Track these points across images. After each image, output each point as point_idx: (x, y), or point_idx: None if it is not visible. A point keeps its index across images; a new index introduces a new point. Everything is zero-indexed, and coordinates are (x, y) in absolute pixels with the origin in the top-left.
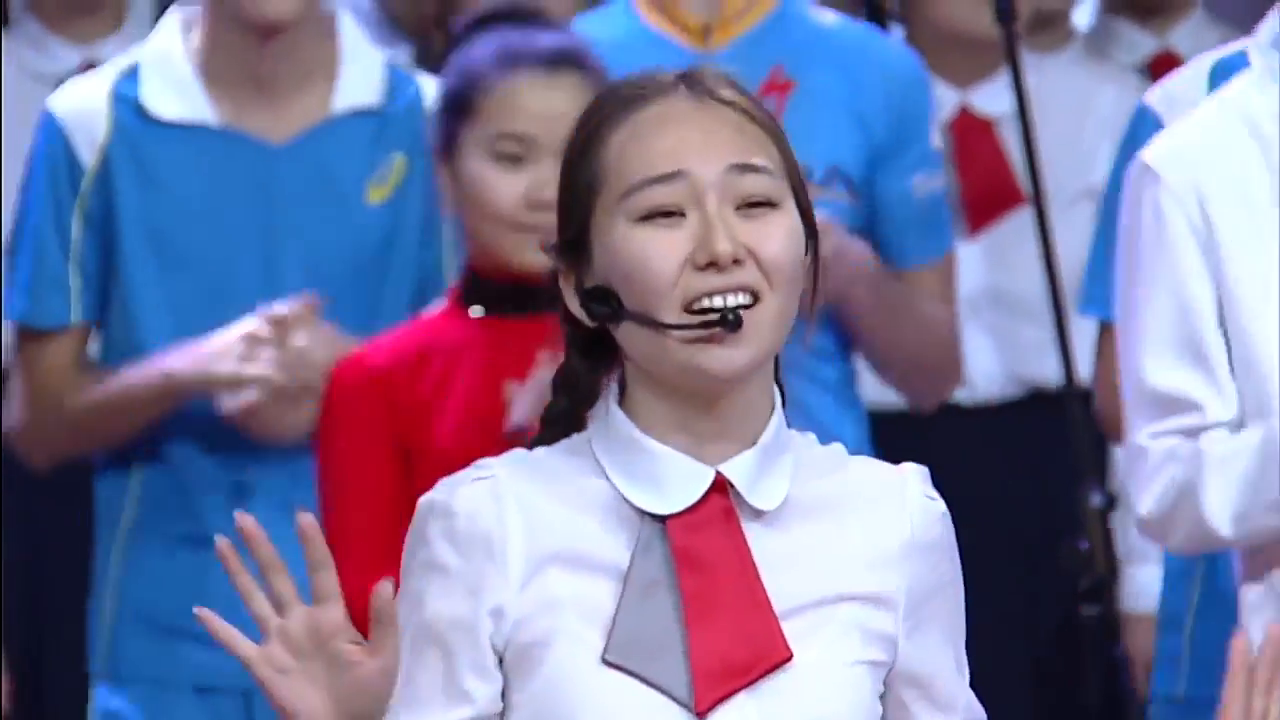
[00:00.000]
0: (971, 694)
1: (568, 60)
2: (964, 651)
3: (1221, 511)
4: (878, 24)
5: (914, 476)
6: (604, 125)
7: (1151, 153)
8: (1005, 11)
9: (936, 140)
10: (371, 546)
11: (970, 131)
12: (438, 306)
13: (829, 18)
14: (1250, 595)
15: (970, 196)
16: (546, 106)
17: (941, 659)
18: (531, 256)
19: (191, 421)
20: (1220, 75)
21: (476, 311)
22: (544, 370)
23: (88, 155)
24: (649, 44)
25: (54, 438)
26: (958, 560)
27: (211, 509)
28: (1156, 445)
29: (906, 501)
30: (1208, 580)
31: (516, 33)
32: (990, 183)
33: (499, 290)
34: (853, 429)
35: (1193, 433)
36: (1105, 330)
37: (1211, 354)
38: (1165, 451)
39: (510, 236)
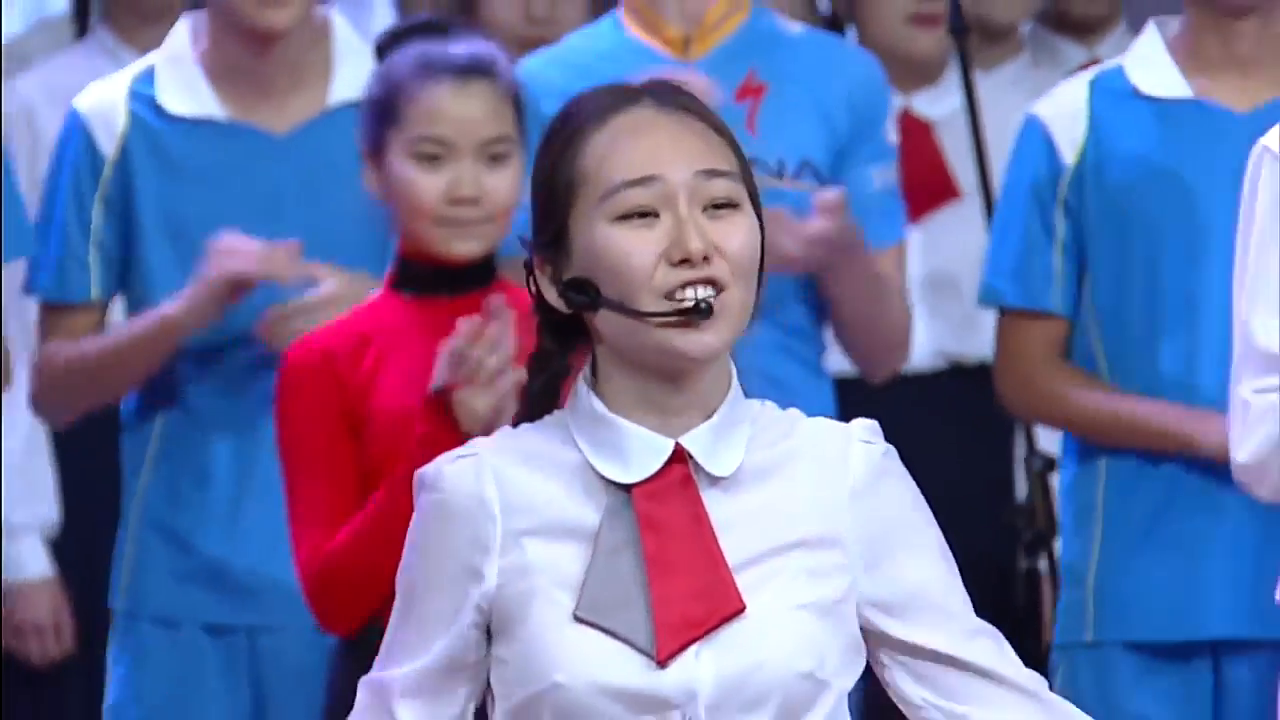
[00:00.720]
0: (971, 611)
1: (479, 69)
2: (952, 572)
3: None
4: (833, 31)
5: (857, 427)
6: (579, 133)
7: (1271, 137)
8: (958, 28)
9: (892, 136)
10: (327, 508)
11: (911, 133)
12: (374, 292)
13: (795, 27)
14: None
15: (910, 189)
16: (461, 112)
17: (917, 582)
18: (455, 245)
19: (204, 372)
20: (1098, 87)
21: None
22: (458, 338)
23: (108, 147)
24: (634, 55)
25: (71, 394)
26: (915, 493)
27: (221, 455)
28: (1258, 400)
29: (849, 451)
30: (1107, 534)
31: (434, 44)
32: (928, 178)
33: (427, 275)
34: (823, 397)
35: None
36: (1003, 319)
37: None
38: (1266, 405)
39: (434, 229)
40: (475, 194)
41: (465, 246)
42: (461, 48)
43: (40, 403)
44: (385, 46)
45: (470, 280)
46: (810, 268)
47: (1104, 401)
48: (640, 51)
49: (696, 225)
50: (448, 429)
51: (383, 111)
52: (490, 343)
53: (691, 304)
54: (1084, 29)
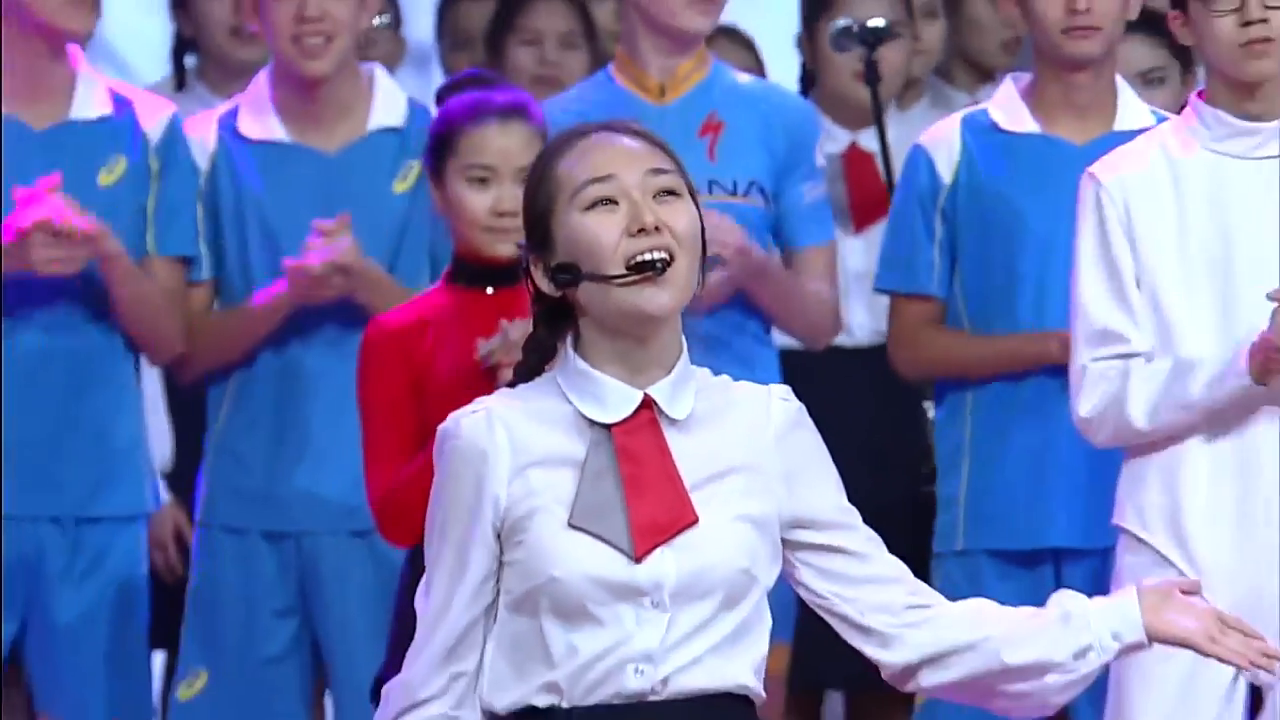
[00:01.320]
0: (860, 525)
1: (517, 112)
2: (845, 499)
3: (1139, 411)
4: (807, 85)
5: (775, 390)
6: (552, 159)
7: (1096, 165)
8: (871, 78)
9: (820, 161)
10: (395, 450)
11: (856, 161)
12: (435, 284)
13: (745, 78)
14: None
15: (855, 206)
16: (503, 144)
17: (822, 505)
18: (498, 248)
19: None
20: (967, 123)
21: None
22: (510, 329)
23: (202, 163)
24: (621, 100)
25: (200, 357)
26: (820, 441)
27: (278, 402)
28: (1095, 366)
29: (771, 406)
30: (973, 462)
31: (481, 92)
32: (869, 197)
33: (475, 271)
34: (770, 364)
35: (1121, 358)
36: (893, 303)
37: (1133, 304)
38: (1101, 370)
39: (482, 235)
40: (514, 209)
41: (505, 249)
42: (503, 95)
43: (184, 362)
44: (444, 93)
45: (507, 276)
46: (739, 280)
47: (974, 343)
48: (626, 98)
49: (648, 206)
50: (490, 392)
51: (442, 144)
52: (514, 342)
53: (649, 261)
54: (984, 78)
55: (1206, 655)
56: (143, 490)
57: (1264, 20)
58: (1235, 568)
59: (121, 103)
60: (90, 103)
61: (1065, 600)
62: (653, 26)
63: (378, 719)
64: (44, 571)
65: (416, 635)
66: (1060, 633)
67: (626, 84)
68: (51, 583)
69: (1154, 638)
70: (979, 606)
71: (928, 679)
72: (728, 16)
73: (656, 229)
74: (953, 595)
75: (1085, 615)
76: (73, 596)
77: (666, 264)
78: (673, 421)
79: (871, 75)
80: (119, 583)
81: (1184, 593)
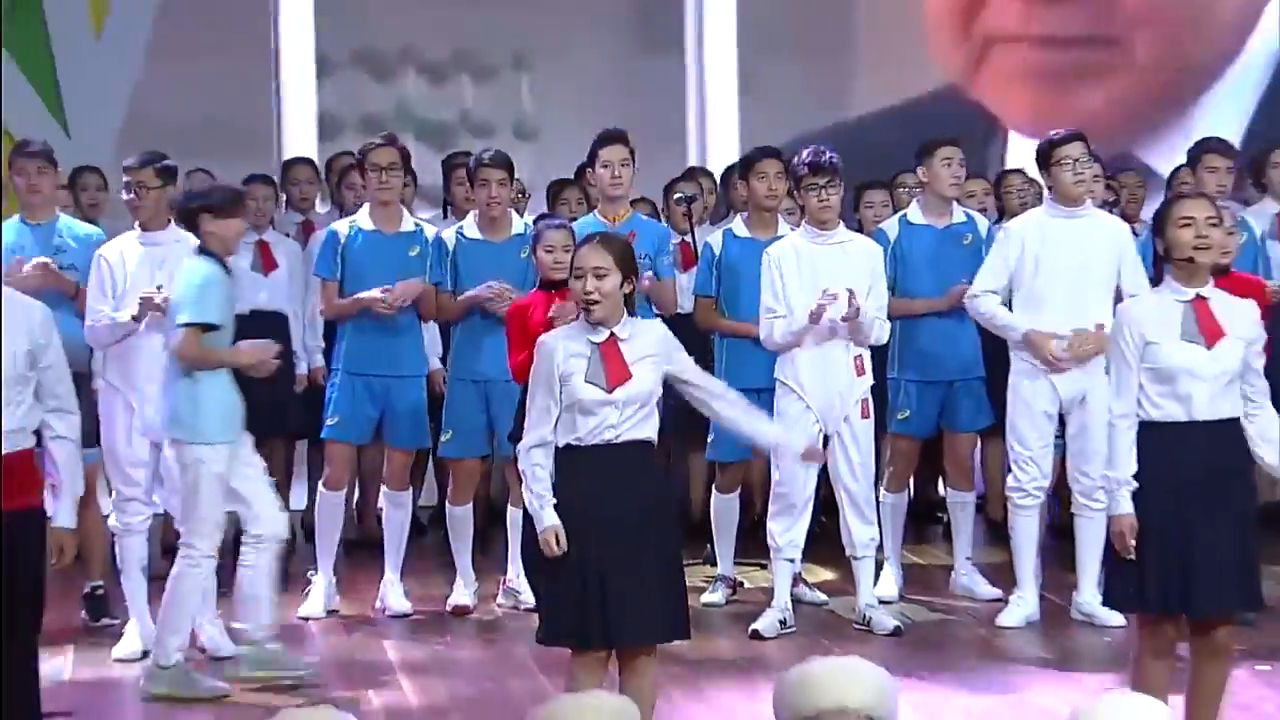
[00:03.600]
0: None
1: (565, 227)
2: (694, 364)
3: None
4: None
5: (658, 324)
6: (576, 247)
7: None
8: (689, 215)
9: (672, 244)
10: (522, 355)
11: (684, 247)
12: (533, 290)
13: (644, 216)
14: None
15: (685, 261)
16: (560, 241)
17: (684, 366)
18: (555, 278)
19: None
20: (725, 235)
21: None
22: (559, 306)
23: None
24: (597, 225)
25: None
26: (677, 342)
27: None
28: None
29: (657, 329)
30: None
31: (547, 219)
32: (689, 259)
33: (547, 284)
34: (653, 318)
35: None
36: (697, 301)
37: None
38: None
39: (550, 273)
40: (563, 264)
41: (561, 276)
42: (556, 220)
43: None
44: (537, 223)
45: (558, 286)
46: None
47: (723, 321)
48: (599, 223)
49: (588, 280)
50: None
51: (534, 241)
52: (567, 311)
53: (585, 307)
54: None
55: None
56: None
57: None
58: (822, 398)
59: (419, 229)
60: (409, 223)
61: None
62: (604, 195)
63: (521, 445)
64: None
65: (528, 418)
66: (748, 422)
67: (601, 216)
68: None
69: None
70: (735, 399)
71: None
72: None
73: (588, 291)
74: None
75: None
76: None
77: (594, 303)
78: (623, 339)
79: (689, 214)
80: None
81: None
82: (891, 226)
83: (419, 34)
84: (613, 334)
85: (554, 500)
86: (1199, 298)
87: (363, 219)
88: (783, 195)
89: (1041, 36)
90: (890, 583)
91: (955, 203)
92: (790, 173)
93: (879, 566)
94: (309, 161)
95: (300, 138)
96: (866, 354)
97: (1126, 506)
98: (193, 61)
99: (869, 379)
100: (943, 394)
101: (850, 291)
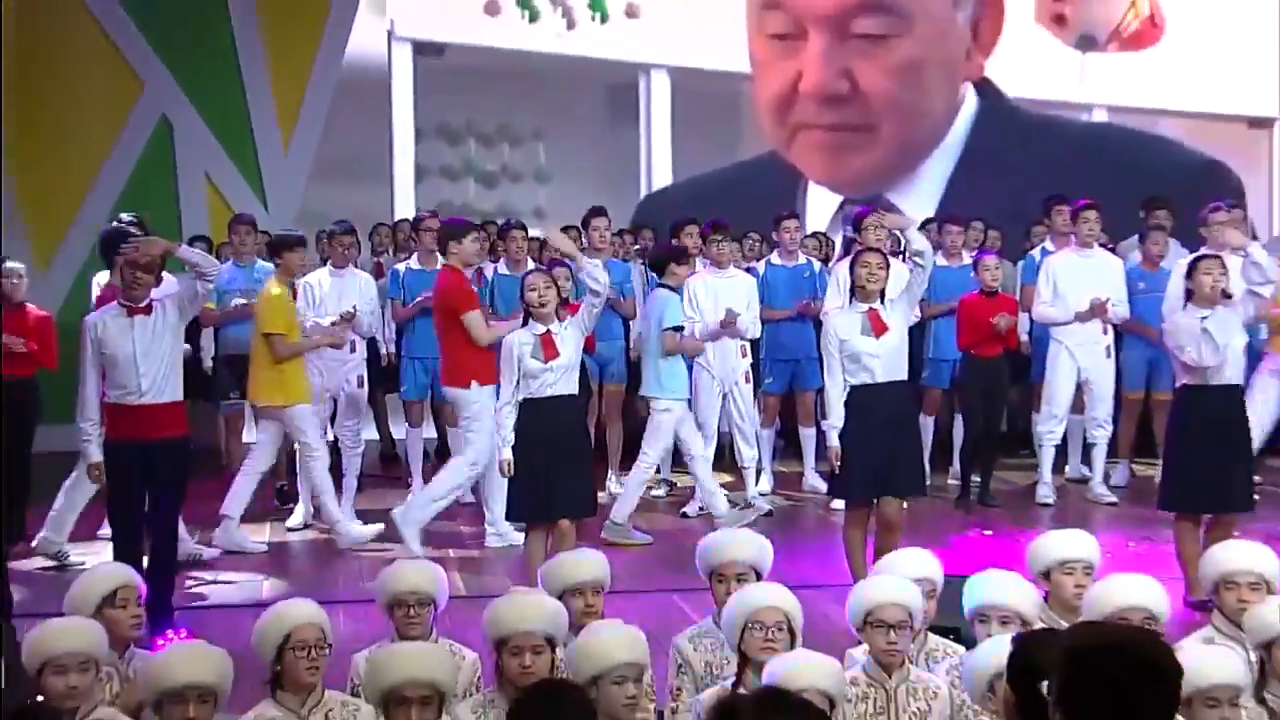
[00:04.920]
0: None
1: (544, 272)
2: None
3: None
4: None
5: (577, 322)
6: None
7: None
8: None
9: (631, 276)
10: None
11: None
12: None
13: (611, 257)
14: None
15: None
16: (542, 282)
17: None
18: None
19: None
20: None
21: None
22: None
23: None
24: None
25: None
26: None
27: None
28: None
29: (576, 329)
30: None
31: (540, 267)
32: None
33: (528, 314)
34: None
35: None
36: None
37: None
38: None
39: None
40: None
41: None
42: (542, 267)
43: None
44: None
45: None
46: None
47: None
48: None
49: (540, 294)
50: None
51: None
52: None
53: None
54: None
55: None
56: None
57: None
58: (721, 370)
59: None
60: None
61: None
62: (593, 248)
63: (498, 404)
64: None
65: (502, 390)
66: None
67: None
68: None
69: None
70: None
71: None
72: None
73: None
74: None
75: None
76: None
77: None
78: (555, 333)
79: (643, 253)
80: None
81: None
82: (760, 266)
83: (476, 115)
84: (549, 330)
85: (513, 441)
86: (871, 309)
87: (412, 261)
88: (698, 243)
89: (827, 124)
90: (765, 483)
91: (801, 250)
92: (700, 232)
93: (759, 474)
94: (384, 223)
95: (402, 183)
96: (747, 345)
97: (834, 440)
98: (346, 148)
99: (749, 359)
100: (793, 368)
101: (732, 310)
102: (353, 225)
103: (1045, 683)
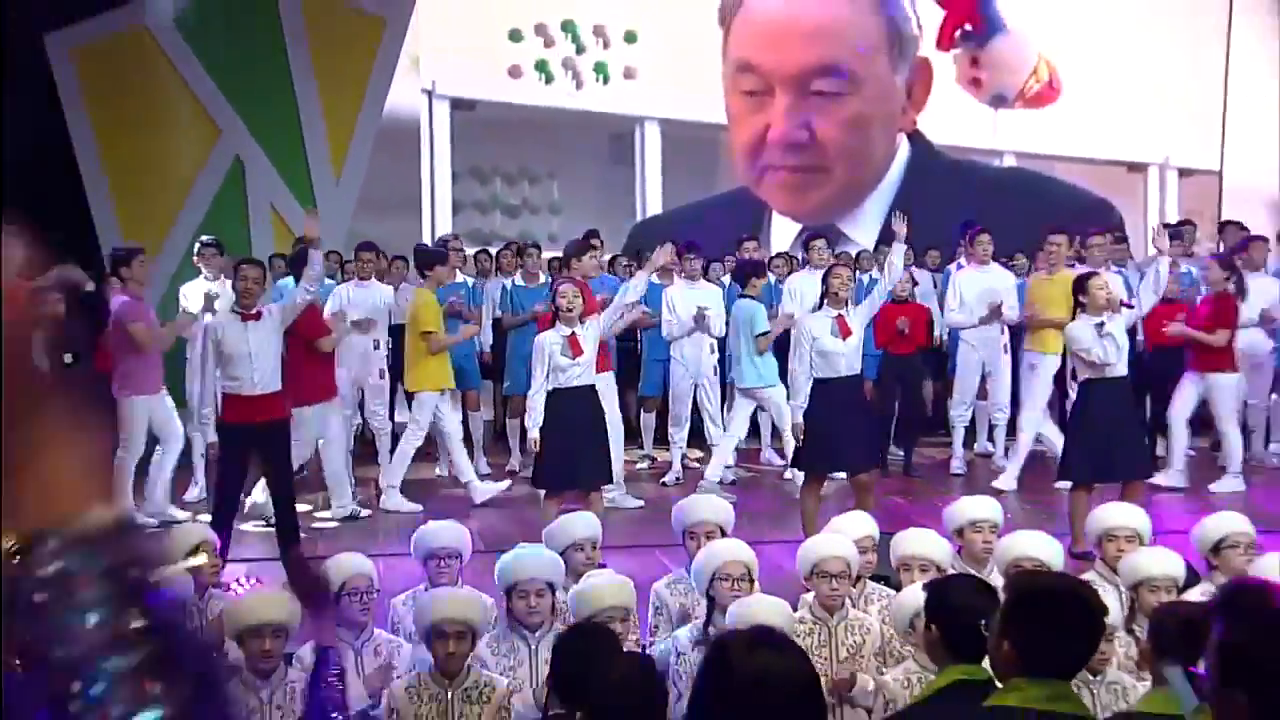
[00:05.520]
0: None
1: (572, 282)
2: None
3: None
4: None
5: (595, 322)
6: None
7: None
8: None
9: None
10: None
11: None
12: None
13: (607, 274)
14: None
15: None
16: (570, 290)
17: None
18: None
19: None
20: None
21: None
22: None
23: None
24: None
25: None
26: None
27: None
28: None
29: (594, 328)
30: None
31: (562, 279)
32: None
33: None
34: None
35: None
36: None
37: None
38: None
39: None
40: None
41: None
42: (564, 279)
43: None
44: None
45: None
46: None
47: None
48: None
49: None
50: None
51: (552, 286)
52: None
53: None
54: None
55: None
56: None
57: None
58: (694, 364)
59: (464, 280)
60: (461, 277)
61: None
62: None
63: (530, 392)
64: None
65: (533, 380)
66: None
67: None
68: None
69: None
70: None
71: None
72: None
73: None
74: None
75: None
76: None
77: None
78: (579, 334)
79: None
80: None
81: None
82: (727, 279)
83: (501, 159)
84: (574, 332)
85: (541, 423)
86: (839, 315)
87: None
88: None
89: (790, 166)
90: (730, 459)
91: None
92: (677, 250)
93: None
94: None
95: (442, 214)
96: (715, 343)
97: (798, 417)
98: (384, 186)
99: (716, 355)
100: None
101: (702, 307)
102: (373, 244)
103: (984, 621)
